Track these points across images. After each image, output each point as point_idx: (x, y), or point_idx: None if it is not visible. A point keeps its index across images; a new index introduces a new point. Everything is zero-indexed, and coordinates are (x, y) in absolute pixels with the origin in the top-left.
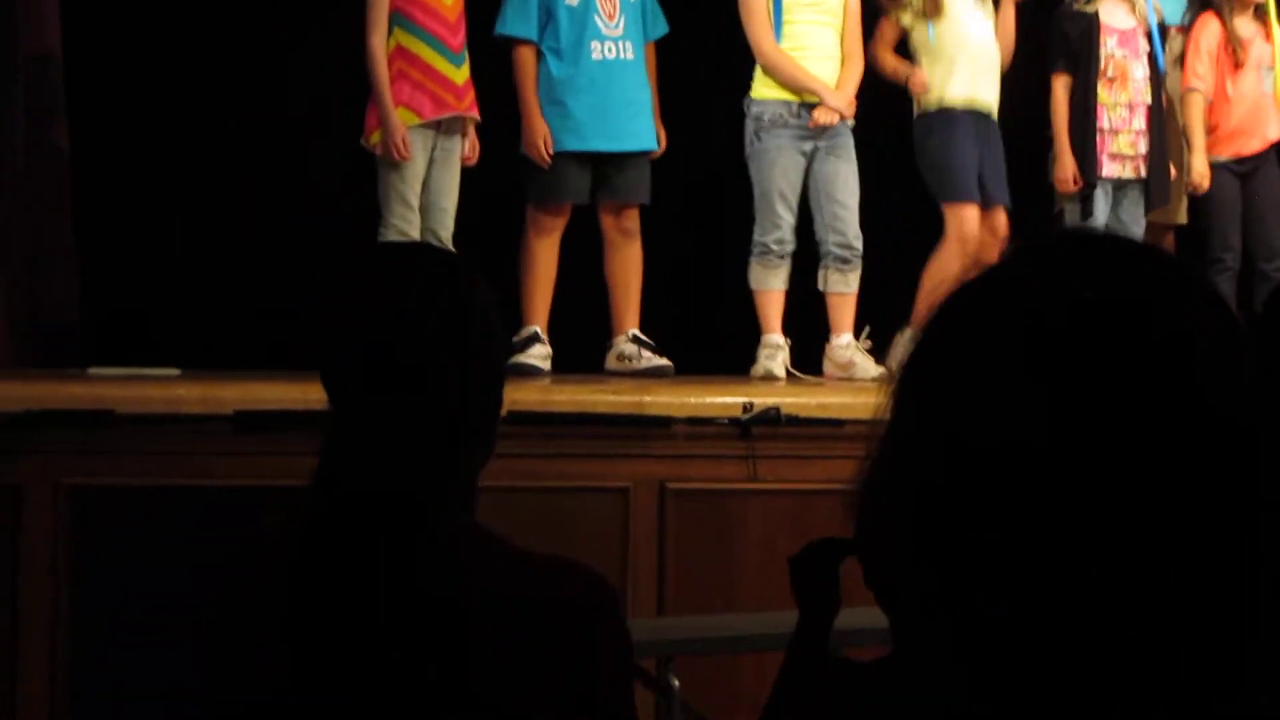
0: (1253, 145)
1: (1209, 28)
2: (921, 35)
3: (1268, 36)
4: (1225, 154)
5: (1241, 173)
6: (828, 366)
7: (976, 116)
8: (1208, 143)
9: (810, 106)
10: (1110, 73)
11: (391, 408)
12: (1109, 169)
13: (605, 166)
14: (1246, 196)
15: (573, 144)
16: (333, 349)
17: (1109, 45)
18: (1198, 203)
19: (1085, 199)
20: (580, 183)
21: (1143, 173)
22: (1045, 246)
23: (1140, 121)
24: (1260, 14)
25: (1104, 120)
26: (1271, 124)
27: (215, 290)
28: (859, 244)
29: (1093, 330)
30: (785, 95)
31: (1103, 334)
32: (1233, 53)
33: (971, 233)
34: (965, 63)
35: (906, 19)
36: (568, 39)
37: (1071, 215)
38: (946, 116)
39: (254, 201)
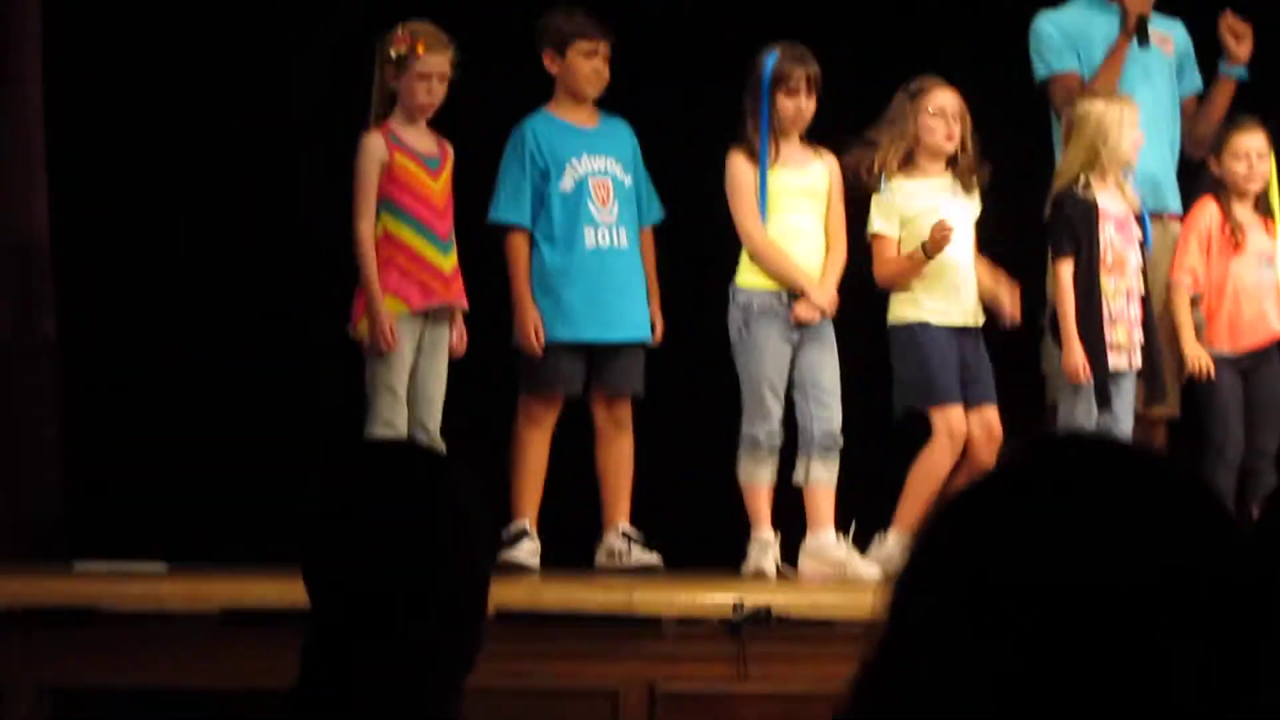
0: (1252, 339)
1: (1204, 213)
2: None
3: (1269, 230)
4: (1224, 347)
5: (1241, 368)
6: (808, 564)
7: (956, 329)
8: (1207, 334)
9: (796, 296)
10: (1110, 260)
11: (372, 613)
12: (1110, 360)
13: (598, 356)
14: (1245, 393)
15: (566, 334)
16: (314, 553)
17: (1108, 232)
18: (1197, 392)
19: (1098, 391)
20: (573, 373)
21: (1137, 363)
22: (1029, 473)
23: (1135, 310)
24: (1261, 206)
25: (1104, 309)
26: (1272, 318)
27: (203, 483)
28: (840, 435)
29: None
30: (773, 284)
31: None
32: (1231, 235)
33: (960, 429)
34: (945, 279)
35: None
36: (561, 226)
37: (1066, 408)
38: (923, 327)
39: (242, 393)
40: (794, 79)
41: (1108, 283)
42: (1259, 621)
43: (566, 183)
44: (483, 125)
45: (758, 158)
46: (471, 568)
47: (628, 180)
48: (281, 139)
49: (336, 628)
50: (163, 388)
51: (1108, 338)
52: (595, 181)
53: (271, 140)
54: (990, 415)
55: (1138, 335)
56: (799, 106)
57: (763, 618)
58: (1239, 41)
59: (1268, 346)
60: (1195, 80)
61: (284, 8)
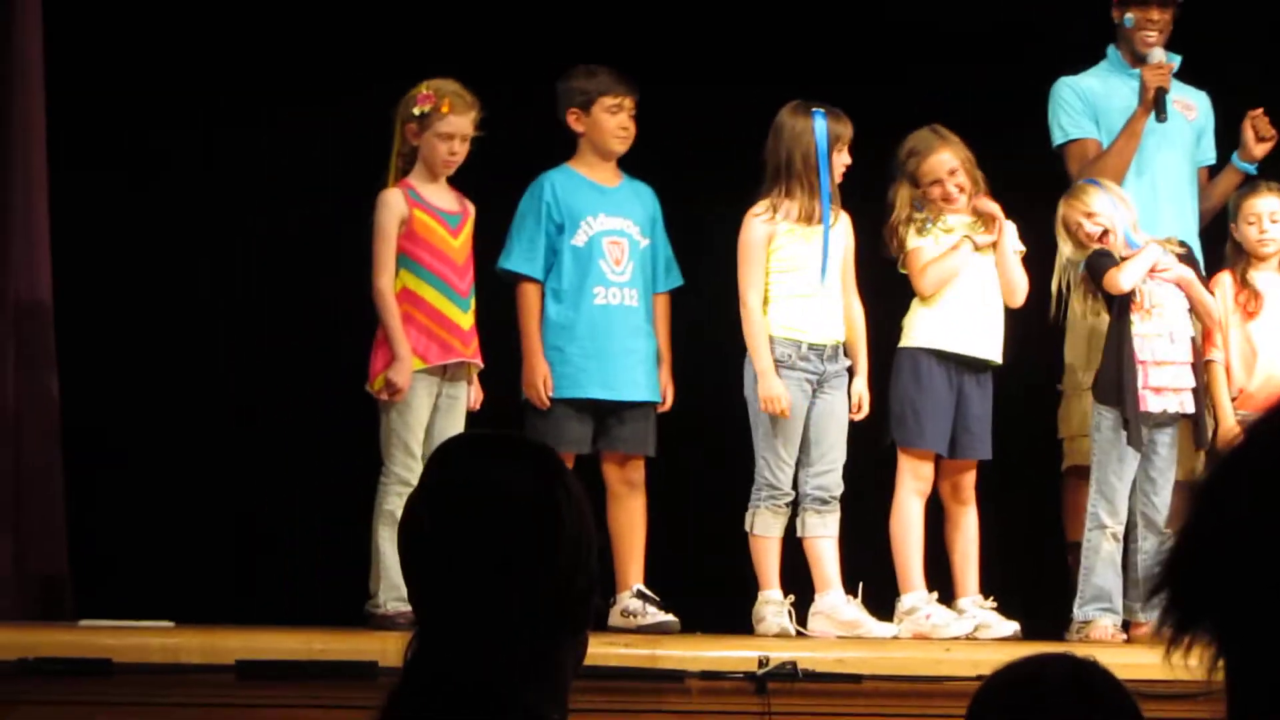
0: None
1: (1220, 287)
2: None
3: None
4: (1252, 408)
5: None
6: (820, 624)
7: (964, 365)
8: (1238, 401)
9: (815, 348)
10: (1145, 303)
11: (480, 594)
12: (1152, 403)
13: (606, 416)
14: None
15: (570, 391)
16: (418, 533)
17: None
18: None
19: (1129, 435)
20: (580, 431)
21: (1188, 408)
22: None
23: (1185, 353)
24: None
25: (1143, 352)
26: None
27: (208, 541)
28: (839, 489)
29: None
30: (792, 335)
31: None
32: (1245, 305)
33: (927, 482)
34: (960, 310)
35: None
36: (570, 281)
37: (1101, 466)
38: (929, 358)
39: (249, 450)
40: (843, 139)
41: (1143, 326)
42: None
43: (580, 238)
44: (498, 182)
45: (776, 219)
46: (575, 551)
47: (644, 243)
48: (296, 196)
49: (441, 613)
50: (168, 445)
51: (1150, 381)
52: (609, 241)
53: (284, 197)
54: (967, 475)
55: (1186, 379)
56: (844, 164)
57: (789, 672)
58: (1259, 142)
59: None
60: (1210, 153)
61: (303, 63)
